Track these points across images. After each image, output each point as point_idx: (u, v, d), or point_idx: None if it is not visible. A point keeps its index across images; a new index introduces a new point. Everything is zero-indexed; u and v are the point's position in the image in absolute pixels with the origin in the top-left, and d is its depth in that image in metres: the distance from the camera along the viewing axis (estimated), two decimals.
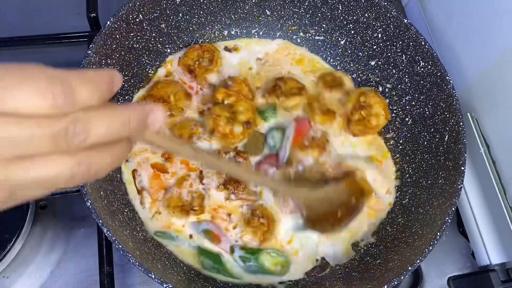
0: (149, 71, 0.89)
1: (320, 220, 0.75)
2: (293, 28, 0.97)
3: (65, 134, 0.31)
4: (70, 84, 0.31)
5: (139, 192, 0.80)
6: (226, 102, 0.83)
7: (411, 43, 0.86)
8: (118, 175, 0.80)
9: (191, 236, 0.78)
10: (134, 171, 0.81)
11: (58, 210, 0.85)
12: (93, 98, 0.33)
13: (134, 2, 0.79)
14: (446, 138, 0.81)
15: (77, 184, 0.34)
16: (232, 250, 0.77)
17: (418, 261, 0.68)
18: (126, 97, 0.85)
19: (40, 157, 0.31)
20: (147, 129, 0.37)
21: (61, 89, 0.30)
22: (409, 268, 0.68)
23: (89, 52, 0.73)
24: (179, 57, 0.91)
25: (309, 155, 0.81)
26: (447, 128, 0.81)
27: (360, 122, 0.87)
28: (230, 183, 0.79)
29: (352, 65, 0.96)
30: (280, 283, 0.77)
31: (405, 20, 0.85)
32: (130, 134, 0.36)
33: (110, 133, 0.34)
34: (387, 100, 0.92)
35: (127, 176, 0.81)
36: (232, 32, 0.96)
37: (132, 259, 0.62)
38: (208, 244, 0.78)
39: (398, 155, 0.90)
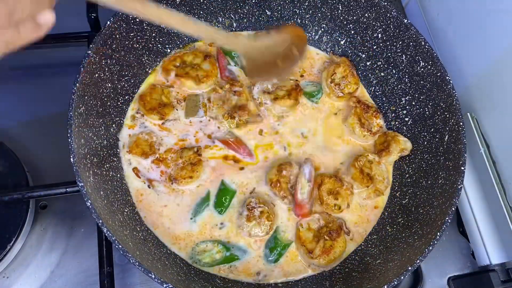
0: (149, 71, 0.89)
1: (260, 69, 0.75)
2: None
3: None
4: None
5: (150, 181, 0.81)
6: None
7: (411, 43, 0.86)
8: (118, 175, 0.80)
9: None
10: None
11: (58, 210, 0.85)
12: None
13: None
14: (446, 138, 0.81)
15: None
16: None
17: (418, 261, 0.68)
18: (126, 97, 0.85)
19: None
20: None
21: None
22: (409, 268, 0.68)
23: (89, 52, 0.73)
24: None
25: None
26: (447, 128, 0.81)
27: None
28: (235, 112, 0.86)
29: None
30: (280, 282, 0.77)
31: (405, 20, 0.85)
32: None
33: None
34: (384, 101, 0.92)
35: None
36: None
37: (132, 259, 0.62)
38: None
39: None
